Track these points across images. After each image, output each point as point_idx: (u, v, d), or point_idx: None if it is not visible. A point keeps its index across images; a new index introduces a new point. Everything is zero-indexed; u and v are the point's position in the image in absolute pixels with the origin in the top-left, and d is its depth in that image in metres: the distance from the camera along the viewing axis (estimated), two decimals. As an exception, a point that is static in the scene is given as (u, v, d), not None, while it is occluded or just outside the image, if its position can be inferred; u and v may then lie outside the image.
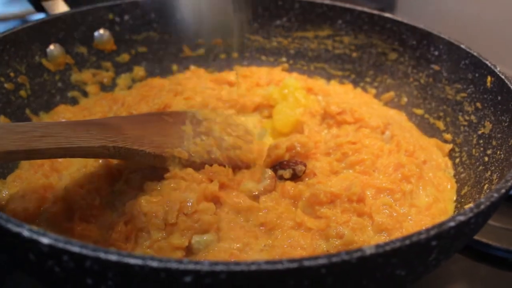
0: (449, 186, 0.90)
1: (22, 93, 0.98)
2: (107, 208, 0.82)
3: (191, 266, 0.46)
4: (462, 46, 1.00)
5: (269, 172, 0.86)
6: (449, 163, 0.97)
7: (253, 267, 0.47)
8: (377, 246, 0.50)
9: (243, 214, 0.80)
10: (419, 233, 0.52)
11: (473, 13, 1.40)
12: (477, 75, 0.96)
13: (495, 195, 0.60)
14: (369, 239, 0.76)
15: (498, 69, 0.90)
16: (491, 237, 0.92)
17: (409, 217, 0.81)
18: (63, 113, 1.04)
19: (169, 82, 1.15)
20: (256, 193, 0.84)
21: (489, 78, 0.92)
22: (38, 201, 0.81)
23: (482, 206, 0.58)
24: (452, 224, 0.55)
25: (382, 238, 0.77)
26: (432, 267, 0.62)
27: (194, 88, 1.09)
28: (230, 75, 1.18)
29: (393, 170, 0.88)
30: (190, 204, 0.77)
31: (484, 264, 0.91)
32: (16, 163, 0.90)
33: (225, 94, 1.09)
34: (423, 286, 0.84)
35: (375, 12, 1.16)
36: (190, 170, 0.85)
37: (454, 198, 0.88)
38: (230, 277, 0.47)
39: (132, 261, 0.47)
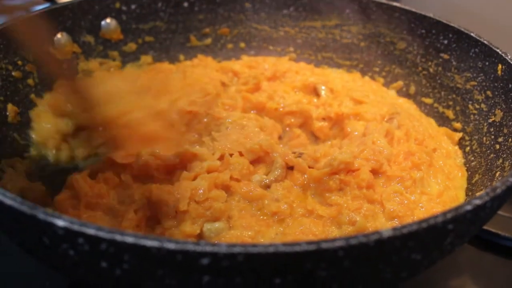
0: (460, 174, 0.89)
1: (30, 81, 0.97)
2: (114, 197, 0.81)
3: (208, 248, 0.46)
4: (472, 34, 0.99)
5: (280, 161, 0.86)
6: (459, 151, 0.96)
7: (271, 249, 0.46)
8: (395, 229, 0.50)
9: (255, 203, 0.79)
10: (436, 216, 0.52)
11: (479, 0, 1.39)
12: (487, 63, 0.95)
13: (511, 179, 0.60)
14: (381, 225, 0.76)
15: (510, 56, 0.89)
16: (499, 227, 0.91)
17: (420, 205, 0.80)
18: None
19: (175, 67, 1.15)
20: (267, 181, 0.84)
21: (500, 66, 0.91)
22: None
23: (498, 190, 0.58)
24: (468, 207, 0.54)
25: (394, 225, 0.76)
26: (447, 252, 0.61)
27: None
28: (236, 64, 1.17)
29: (403, 158, 0.88)
30: (202, 191, 0.76)
31: (491, 254, 0.90)
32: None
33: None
34: (430, 272, 0.83)
35: (383, 1, 1.15)
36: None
37: (465, 186, 0.87)
38: (248, 259, 0.47)
39: (148, 243, 0.47)
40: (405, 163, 0.87)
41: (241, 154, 0.86)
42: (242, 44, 1.26)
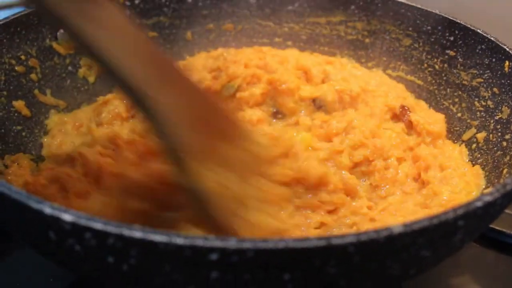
0: (467, 171, 0.89)
1: (33, 76, 0.97)
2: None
3: (217, 243, 0.45)
4: (479, 30, 0.98)
5: None
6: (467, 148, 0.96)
7: (281, 245, 0.46)
8: (405, 225, 0.49)
9: None
10: (446, 212, 0.52)
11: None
12: (494, 60, 0.95)
13: (521, 176, 0.60)
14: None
15: (517, 53, 0.89)
16: (503, 224, 0.91)
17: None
18: None
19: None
20: None
21: (507, 63, 0.91)
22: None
23: (508, 187, 0.57)
24: (479, 204, 0.54)
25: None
26: (455, 249, 0.61)
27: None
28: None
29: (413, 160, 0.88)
30: None
31: (495, 251, 0.90)
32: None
33: None
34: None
35: (389, -4, 1.14)
36: None
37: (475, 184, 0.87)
38: (257, 255, 0.46)
39: (157, 238, 0.46)
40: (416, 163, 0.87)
41: None
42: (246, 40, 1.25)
